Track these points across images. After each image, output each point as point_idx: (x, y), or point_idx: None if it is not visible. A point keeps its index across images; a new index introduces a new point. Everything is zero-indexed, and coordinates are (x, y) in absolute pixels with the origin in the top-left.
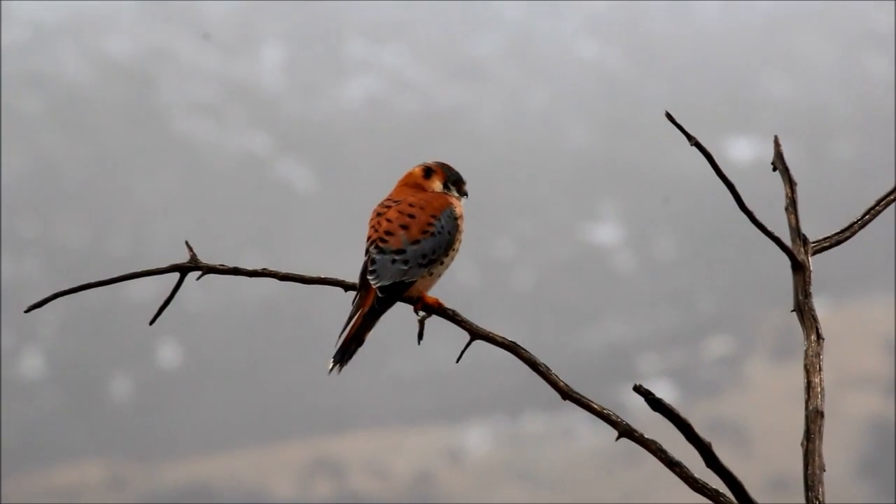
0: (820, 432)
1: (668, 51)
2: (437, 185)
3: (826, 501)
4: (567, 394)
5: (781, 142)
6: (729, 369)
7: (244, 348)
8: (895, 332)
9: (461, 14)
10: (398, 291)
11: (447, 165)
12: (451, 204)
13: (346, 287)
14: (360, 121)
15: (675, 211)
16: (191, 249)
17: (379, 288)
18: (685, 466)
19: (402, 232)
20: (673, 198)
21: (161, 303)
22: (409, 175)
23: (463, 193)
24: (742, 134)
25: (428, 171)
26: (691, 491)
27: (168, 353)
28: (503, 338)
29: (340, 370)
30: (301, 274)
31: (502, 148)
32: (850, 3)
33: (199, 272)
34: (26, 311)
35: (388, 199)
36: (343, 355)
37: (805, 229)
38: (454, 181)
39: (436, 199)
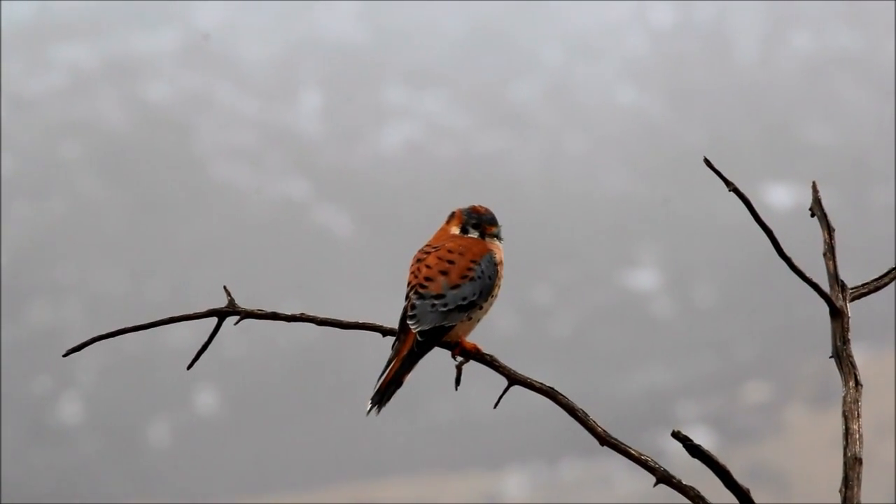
0: (858, 479)
1: (707, 96)
2: (454, 228)
3: None
4: (605, 439)
5: (820, 188)
6: (767, 416)
7: (282, 394)
8: None
9: (500, 60)
10: (437, 336)
11: (475, 209)
12: (491, 250)
13: (384, 332)
14: (399, 167)
15: (714, 257)
16: (229, 294)
17: (419, 332)
18: None
19: (441, 277)
20: (712, 244)
21: (199, 348)
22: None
23: (489, 236)
24: (780, 180)
25: (450, 216)
26: None
27: (206, 399)
28: (541, 383)
29: (379, 412)
30: (339, 319)
31: (541, 193)
32: (890, 49)
33: (237, 317)
34: (65, 355)
35: (427, 245)
36: (382, 397)
37: (843, 275)
38: (474, 224)
39: (475, 245)
